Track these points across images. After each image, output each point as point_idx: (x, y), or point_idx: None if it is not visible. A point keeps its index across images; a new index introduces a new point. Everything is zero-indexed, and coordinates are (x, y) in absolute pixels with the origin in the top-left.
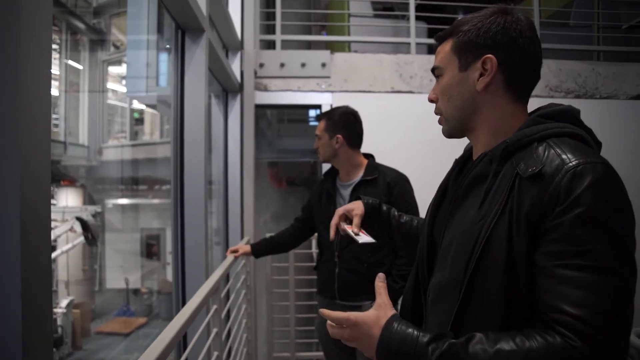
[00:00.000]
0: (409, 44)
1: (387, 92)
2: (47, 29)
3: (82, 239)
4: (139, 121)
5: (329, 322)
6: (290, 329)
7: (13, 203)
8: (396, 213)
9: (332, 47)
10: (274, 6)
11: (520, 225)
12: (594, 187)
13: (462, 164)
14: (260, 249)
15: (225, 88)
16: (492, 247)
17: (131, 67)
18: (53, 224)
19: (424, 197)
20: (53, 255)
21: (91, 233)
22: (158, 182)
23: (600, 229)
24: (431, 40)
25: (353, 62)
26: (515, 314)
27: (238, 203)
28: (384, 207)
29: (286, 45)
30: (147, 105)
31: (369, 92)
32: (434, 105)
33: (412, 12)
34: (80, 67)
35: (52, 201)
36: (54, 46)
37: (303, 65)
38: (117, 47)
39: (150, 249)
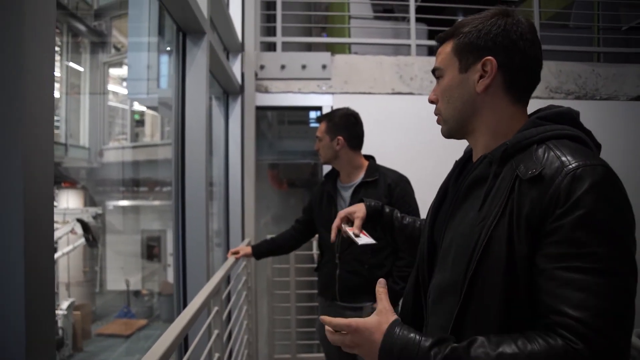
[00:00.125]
0: (409, 45)
1: (388, 93)
2: (50, 31)
3: (82, 240)
4: (140, 123)
5: (328, 328)
6: (291, 331)
7: (16, 205)
8: (399, 215)
9: (333, 49)
10: (274, 8)
11: (520, 228)
12: (593, 189)
13: (462, 166)
14: (261, 251)
15: (226, 90)
16: (492, 249)
17: (132, 69)
18: (54, 225)
19: (424, 198)
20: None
21: (92, 235)
22: (159, 183)
23: (601, 231)
24: (431, 42)
25: (353, 63)
26: (515, 315)
27: (239, 204)
28: (387, 209)
29: (287, 47)
30: (148, 107)
31: (370, 93)
32: (434, 106)
33: (412, 14)
34: (81, 69)
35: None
36: (55, 48)
37: (303, 67)
38: (117, 49)
39: (151, 250)
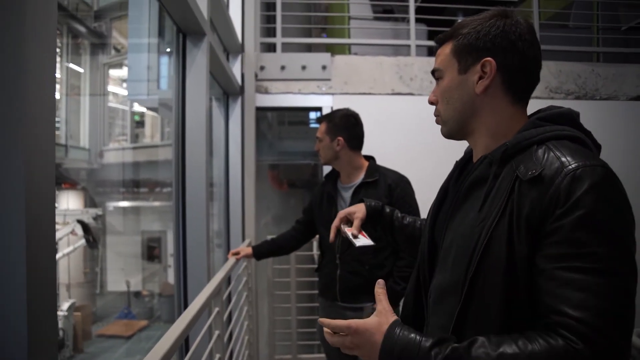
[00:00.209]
0: (409, 46)
1: (388, 94)
2: (51, 33)
3: (83, 241)
4: (140, 124)
5: (326, 330)
6: (292, 331)
7: (18, 206)
8: (399, 215)
9: (333, 49)
10: (274, 9)
11: (520, 228)
12: (593, 189)
13: (462, 166)
14: (261, 251)
15: (226, 91)
16: (492, 249)
17: (132, 70)
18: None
19: (424, 198)
20: None
21: (92, 236)
22: (159, 184)
23: (600, 232)
24: (431, 43)
25: (353, 64)
26: (516, 315)
27: (239, 205)
28: (387, 209)
29: (287, 48)
30: (148, 108)
31: (370, 94)
32: (434, 107)
33: (412, 15)
34: (81, 70)
35: None
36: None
37: (303, 67)
38: (117, 50)
39: (151, 251)
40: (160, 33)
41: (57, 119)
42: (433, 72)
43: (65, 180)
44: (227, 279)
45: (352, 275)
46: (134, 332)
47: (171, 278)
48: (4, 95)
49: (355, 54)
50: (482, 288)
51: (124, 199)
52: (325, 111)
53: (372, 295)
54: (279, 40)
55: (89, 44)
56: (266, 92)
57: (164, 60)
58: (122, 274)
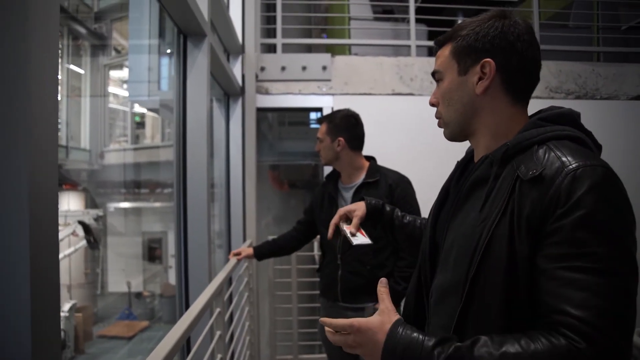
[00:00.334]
0: (409, 46)
1: (388, 94)
2: (53, 36)
3: (84, 242)
4: (140, 125)
5: (327, 329)
6: (293, 331)
7: (21, 207)
8: (399, 213)
9: (333, 50)
10: (274, 10)
11: (521, 228)
12: (594, 189)
13: (463, 167)
14: (262, 252)
15: (227, 92)
16: (493, 249)
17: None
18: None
19: (425, 198)
20: None
21: (93, 236)
22: (160, 185)
23: (601, 232)
24: (431, 43)
25: (353, 65)
26: (516, 314)
27: (240, 206)
28: (387, 208)
29: (287, 48)
30: (149, 109)
31: (370, 94)
32: (434, 107)
33: (412, 15)
34: (81, 71)
35: None
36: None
37: (304, 68)
38: (118, 52)
39: (153, 252)
40: (161, 34)
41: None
42: (433, 74)
43: (66, 181)
44: (229, 280)
45: (353, 276)
46: (135, 332)
47: (172, 279)
48: (7, 96)
49: (356, 54)
50: (483, 288)
51: (125, 200)
52: (326, 112)
53: (373, 296)
54: (279, 41)
55: (90, 45)
56: (267, 92)
57: (165, 61)
58: (123, 274)
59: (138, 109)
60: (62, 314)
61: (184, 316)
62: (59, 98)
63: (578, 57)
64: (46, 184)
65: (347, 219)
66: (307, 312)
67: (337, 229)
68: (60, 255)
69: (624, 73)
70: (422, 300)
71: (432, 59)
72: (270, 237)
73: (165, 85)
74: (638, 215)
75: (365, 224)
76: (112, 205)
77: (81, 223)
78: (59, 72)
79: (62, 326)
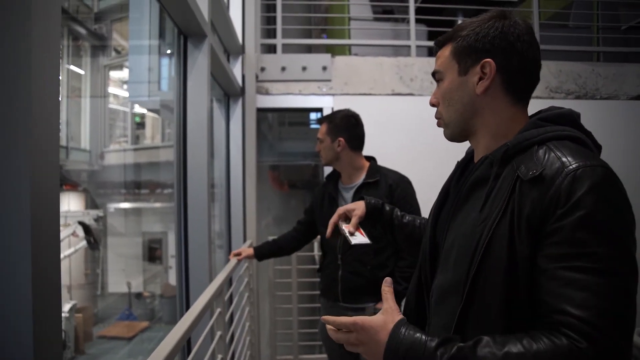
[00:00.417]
0: (409, 46)
1: (388, 94)
2: (55, 36)
3: (84, 243)
4: (140, 125)
5: (329, 327)
6: (293, 332)
7: (23, 208)
8: (399, 213)
9: (333, 50)
10: (274, 10)
11: (521, 228)
12: (594, 190)
13: (463, 167)
14: (263, 252)
15: (227, 92)
16: (493, 249)
17: (133, 72)
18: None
19: (425, 198)
20: None
21: (93, 237)
22: (160, 185)
23: (601, 232)
24: (431, 43)
25: (353, 65)
26: (516, 314)
27: (240, 206)
28: (387, 207)
29: (287, 49)
30: (149, 110)
31: (370, 94)
32: (434, 107)
33: (412, 15)
34: (81, 72)
35: None
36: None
37: (304, 68)
38: (118, 52)
39: (153, 252)
40: (161, 35)
41: None
42: (433, 74)
43: (66, 182)
44: (229, 280)
45: (353, 276)
46: (135, 333)
47: (172, 279)
48: (9, 96)
49: (356, 54)
50: (484, 288)
51: (125, 201)
52: (326, 112)
53: (374, 296)
54: (279, 41)
55: (90, 45)
56: (267, 93)
57: (165, 61)
58: (123, 275)
59: (138, 109)
60: (62, 315)
61: (185, 316)
62: (60, 98)
63: (578, 57)
64: (47, 184)
65: (347, 218)
66: (308, 312)
67: (336, 228)
68: (61, 256)
69: (624, 73)
70: (422, 300)
71: (432, 59)
72: (271, 238)
73: (166, 85)
74: (638, 215)
75: (364, 224)
76: (112, 206)
77: (81, 223)
78: (60, 74)
79: (62, 327)
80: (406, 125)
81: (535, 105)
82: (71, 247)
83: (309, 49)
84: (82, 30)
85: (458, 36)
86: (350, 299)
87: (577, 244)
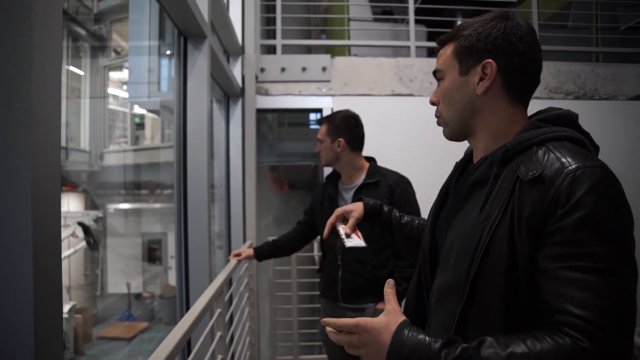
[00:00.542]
0: (408, 47)
1: (388, 95)
2: (56, 37)
3: (83, 243)
4: (140, 126)
5: (328, 329)
6: (293, 332)
7: (24, 208)
8: (397, 214)
9: (332, 51)
10: (274, 11)
11: (522, 228)
12: (593, 190)
13: (462, 167)
14: (262, 253)
15: (227, 93)
16: (493, 249)
17: (133, 72)
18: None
19: (425, 199)
20: None
21: (93, 238)
22: (159, 186)
23: (601, 232)
24: (431, 44)
25: (353, 65)
26: (516, 314)
27: (240, 207)
28: (385, 208)
29: (287, 49)
30: (149, 111)
31: (370, 95)
32: (434, 107)
33: (411, 16)
34: (81, 73)
35: None
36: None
37: (304, 69)
38: (118, 53)
39: (152, 253)
40: (161, 35)
41: None
42: (434, 73)
43: (65, 183)
44: (229, 281)
45: (353, 276)
46: (135, 334)
47: (172, 280)
48: (8, 97)
49: (355, 55)
50: (484, 288)
51: (124, 201)
52: (326, 113)
53: (374, 296)
54: (279, 42)
55: (89, 46)
56: (266, 93)
57: (165, 62)
58: (123, 276)
59: (138, 110)
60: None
61: (185, 317)
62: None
63: (577, 57)
64: (48, 184)
65: (345, 219)
66: (307, 312)
67: (334, 229)
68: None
69: (623, 73)
70: (422, 301)
71: (432, 60)
72: (271, 238)
73: (165, 86)
74: (638, 215)
75: (363, 225)
76: (112, 207)
77: (81, 224)
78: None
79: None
80: (406, 126)
81: (534, 106)
82: (71, 247)
83: (309, 50)
84: (82, 31)
85: (460, 36)
86: (350, 299)
87: (578, 244)
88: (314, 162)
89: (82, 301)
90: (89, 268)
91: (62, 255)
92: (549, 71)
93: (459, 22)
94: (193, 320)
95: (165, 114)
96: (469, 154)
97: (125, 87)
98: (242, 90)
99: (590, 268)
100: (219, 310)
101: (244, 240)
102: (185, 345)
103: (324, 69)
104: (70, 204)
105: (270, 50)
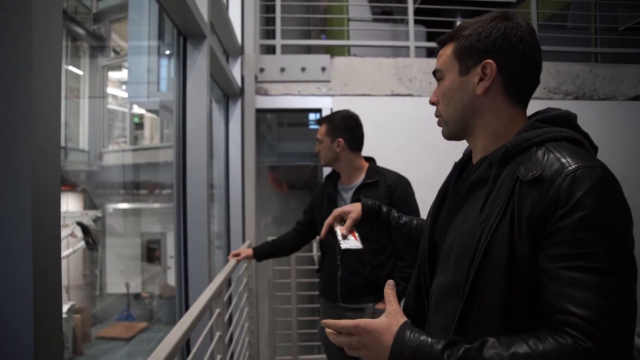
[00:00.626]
0: (408, 47)
1: (387, 95)
2: (56, 37)
3: (82, 243)
4: (139, 126)
5: (328, 330)
6: (293, 332)
7: (24, 209)
8: (396, 214)
9: (332, 51)
10: (273, 11)
11: (522, 228)
12: (593, 190)
13: (461, 168)
14: (262, 253)
15: (226, 93)
16: (493, 249)
17: (132, 72)
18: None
19: (424, 199)
20: None
21: (92, 238)
22: (158, 186)
23: (601, 232)
24: (430, 44)
25: (353, 66)
26: (516, 315)
27: (239, 207)
28: (384, 209)
29: (286, 49)
30: (148, 110)
31: (369, 95)
32: (433, 107)
33: (410, 16)
34: (80, 72)
35: None
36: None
37: (303, 69)
38: (117, 53)
39: (152, 253)
40: (160, 35)
41: None
42: (434, 73)
43: (64, 182)
44: (228, 281)
45: (352, 276)
46: (134, 334)
47: (171, 280)
48: (8, 97)
49: (355, 55)
50: (484, 288)
51: (123, 201)
52: (325, 113)
53: (373, 296)
54: (278, 42)
55: (88, 46)
56: (266, 93)
57: (164, 62)
58: (122, 276)
59: (137, 110)
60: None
61: (184, 317)
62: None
63: (576, 58)
64: (48, 184)
65: (342, 220)
66: (307, 312)
67: (331, 230)
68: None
69: (622, 74)
70: (422, 301)
71: (431, 60)
72: (270, 238)
73: (165, 86)
74: (638, 215)
75: (361, 225)
76: (111, 206)
77: (80, 224)
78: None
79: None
80: (405, 126)
81: (533, 106)
82: (69, 247)
83: (308, 50)
84: (81, 31)
85: (460, 36)
86: (350, 300)
87: (578, 244)
88: (313, 162)
89: (80, 301)
90: (88, 268)
91: (62, 255)
92: (548, 71)
93: (458, 23)
94: (192, 320)
95: (165, 114)
96: (467, 154)
97: (124, 87)
98: (242, 90)
99: (590, 268)
100: (218, 310)
101: (243, 240)
102: (185, 345)
103: (323, 69)
104: (69, 204)
105: (270, 50)
